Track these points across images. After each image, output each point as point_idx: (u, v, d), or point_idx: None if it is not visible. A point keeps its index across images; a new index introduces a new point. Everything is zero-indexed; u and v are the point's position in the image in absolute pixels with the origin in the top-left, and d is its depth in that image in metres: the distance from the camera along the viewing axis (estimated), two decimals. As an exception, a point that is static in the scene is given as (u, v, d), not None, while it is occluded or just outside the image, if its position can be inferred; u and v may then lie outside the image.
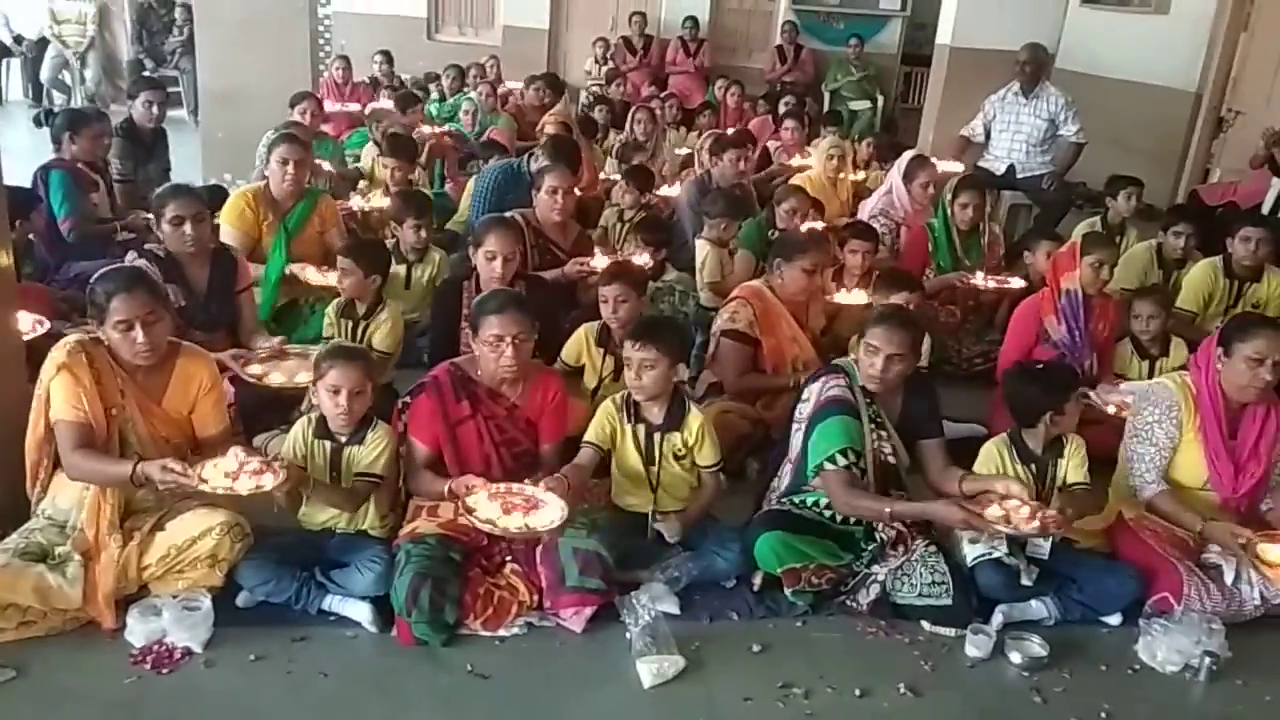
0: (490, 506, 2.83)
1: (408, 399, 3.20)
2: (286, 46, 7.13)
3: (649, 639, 2.73)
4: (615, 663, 2.72)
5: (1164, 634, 2.90)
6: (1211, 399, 3.19)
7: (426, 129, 6.80)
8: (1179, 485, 3.23)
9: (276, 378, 3.49)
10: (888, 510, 3.00)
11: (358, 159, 6.72)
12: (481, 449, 3.08)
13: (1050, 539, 3.00)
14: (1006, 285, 4.86)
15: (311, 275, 4.31)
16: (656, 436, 3.21)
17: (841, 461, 3.04)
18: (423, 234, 4.66)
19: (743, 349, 3.97)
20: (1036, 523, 2.85)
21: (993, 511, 2.89)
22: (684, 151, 7.58)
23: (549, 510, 2.85)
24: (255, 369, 3.53)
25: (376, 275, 3.94)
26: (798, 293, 4.02)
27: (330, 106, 7.66)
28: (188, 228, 3.71)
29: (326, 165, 5.94)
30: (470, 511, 2.79)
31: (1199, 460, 3.20)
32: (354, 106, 8.01)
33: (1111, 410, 3.73)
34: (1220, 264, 4.87)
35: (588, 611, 2.84)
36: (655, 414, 3.23)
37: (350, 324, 3.93)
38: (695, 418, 3.23)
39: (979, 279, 4.85)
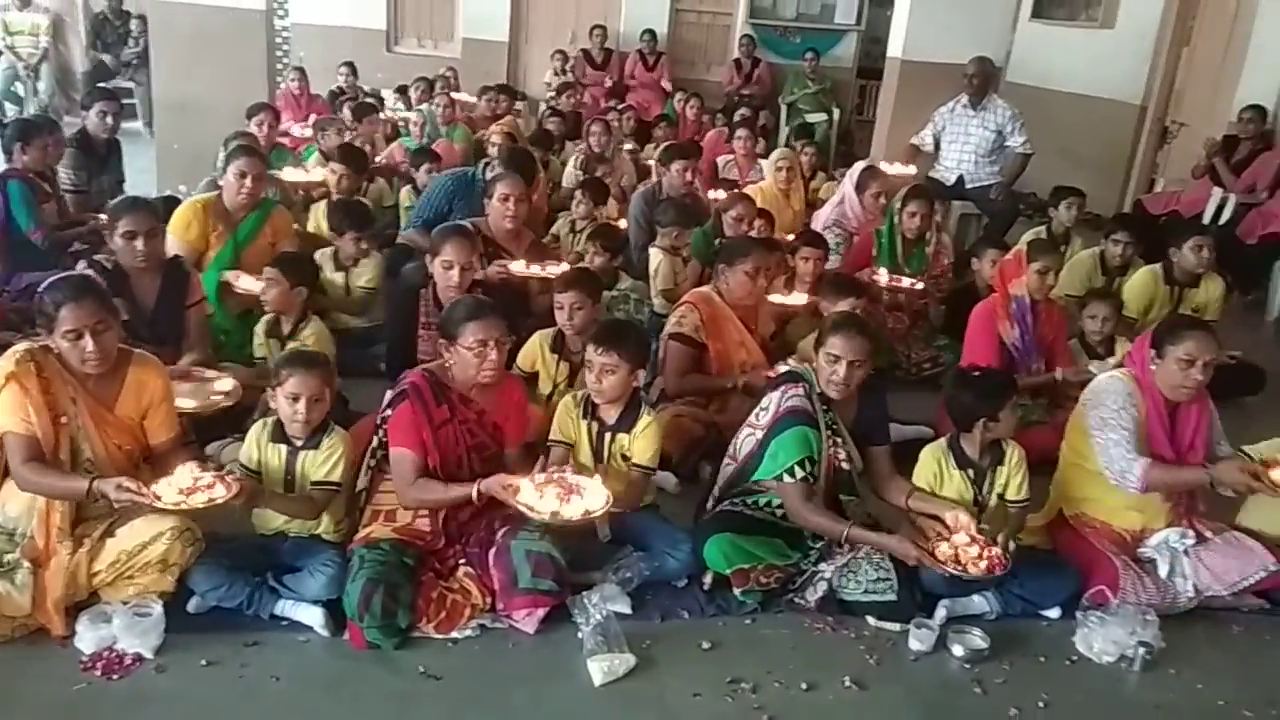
0: (547, 499, 2.85)
1: (388, 412, 3.11)
2: (242, 58, 7.13)
3: (600, 638, 2.78)
4: (567, 662, 2.76)
5: (1100, 626, 2.99)
6: (1151, 396, 3.27)
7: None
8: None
9: None
10: (844, 533, 3.07)
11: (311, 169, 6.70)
12: (456, 452, 3.09)
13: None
14: (900, 285, 4.95)
15: (245, 282, 4.26)
16: (607, 436, 3.27)
17: (800, 473, 3.09)
18: (362, 245, 4.70)
19: (687, 351, 4.03)
20: (984, 564, 2.91)
21: (944, 550, 2.95)
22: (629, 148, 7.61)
23: (594, 494, 2.89)
24: None
25: (302, 287, 3.94)
26: (744, 296, 4.09)
27: (291, 126, 7.68)
28: (139, 243, 3.71)
29: (286, 176, 5.94)
30: (530, 509, 2.81)
31: (1145, 453, 3.27)
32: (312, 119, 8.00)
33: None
34: (1160, 270, 5.01)
35: (540, 613, 2.88)
36: (610, 414, 3.28)
37: (277, 343, 3.94)
38: (644, 419, 3.28)
39: (881, 276, 4.95)
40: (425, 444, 3.02)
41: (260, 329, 4.00)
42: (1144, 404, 3.25)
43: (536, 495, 2.85)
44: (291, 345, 3.89)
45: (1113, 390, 3.29)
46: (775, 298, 4.48)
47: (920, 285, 4.97)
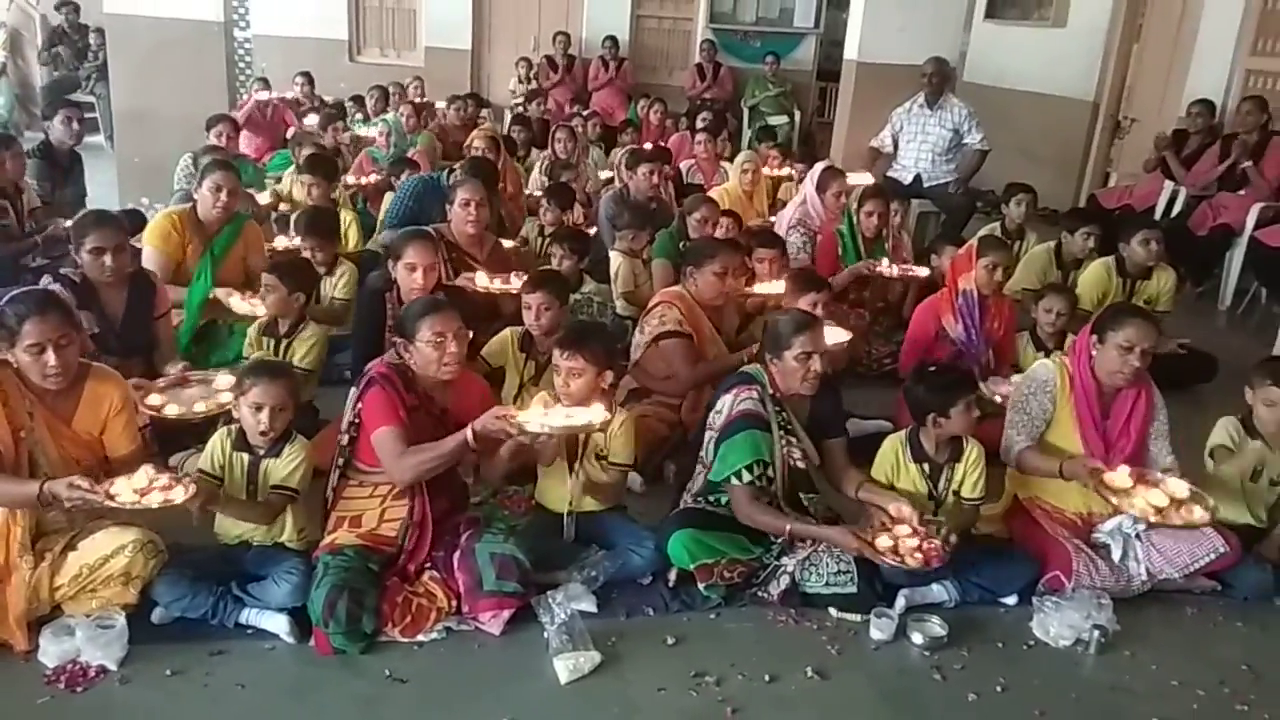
0: (552, 414, 2.96)
1: (359, 405, 3.09)
2: (202, 69, 7.13)
3: (565, 637, 2.80)
4: (533, 661, 2.79)
5: (1056, 610, 3.05)
6: (1083, 381, 3.35)
7: (350, 178, 6.75)
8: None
9: (173, 409, 3.38)
10: (787, 528, 3.13)
11: (279, 181, 6.69)
12: (421, 441, 3.05)
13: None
14: (911, 273, 5.05)
15: (235, 303, 4.29)
16: (580, 436, 3.28)
17: (747, 477, 3.14)
18: (332, 253, 4.72)
19: (686, 343, 4.04)
20: (920, 556, 2.96)
21: (883, 542, 3.00)
22: (606, 175, 7.62)
23: (591, 410, 3.04)
24: (154, 399, 3.41)
25: (300, 293, 3.96)
26: (714, 297, 4.12)
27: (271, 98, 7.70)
28: (107, 259, 3.71)
29: (259, 196, 5.95)
30: (522, 431, 2.88)
31: (1074, 437, 3.36)
32: (264, 95, 7.99)
33: (999, 399, 3.91)
34: (1113, 263, 5.10)
35: (506, 614, 2.90)
36: None
37: (272, 342, 3.96)
38: (618, 418, 3.31)
39: (884, 265, 5.05)
40: (403, 421, 3.00)
41: (254, 330, 4.02)
42: (1070, 392, 3.35)
43: (537, 416, 2.94)
44: (289, 346, 3.94)
45: (1033, 376, 3.42)
46: (760, 287, 4.54)
47: (926, 271, 5.08)
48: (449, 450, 2.97)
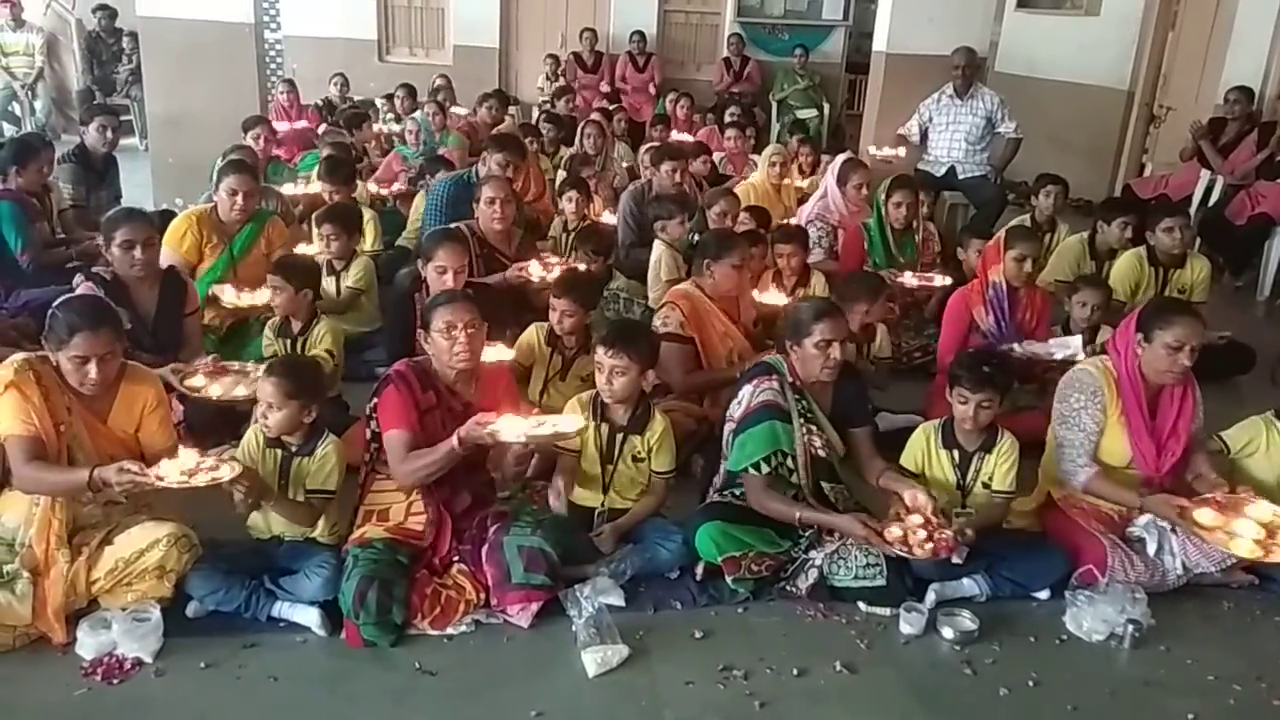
0: (517, 422, 2.91)
1: (375, 401, 3.16)
2: (233, 71, 7.20)
3: (593, 630, 2.81)
4: (561, 654, 2.80)
5: (1089, 604, 3.01)
6: (1132, 383, 3.27)
7: (374, 186, 6.77)
8: (1105, 466, 3.31)
9: (216, 390, 3.54)
10: (797, 515, 3.12)
11: (309, 181, 6.73)
12: (442, 440, 3.08)
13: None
14: (931, 284, 4.99)
15: (228, 296, 4.34)
16: (618, 437, 3.29)
17: (765, 468, 3.15)
18: (351, 247, 4.79)
19: (684, 348, 4.03)
20: (930, 546, 2.93)
21: (893, 532, 2.98)
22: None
23: (568, 419, 3.04)
24: (197, 381, 3.56)
25: (308, 290, 4.01)
26: (730, 290, 4.11)
27: (281, 126, 7.74)
28: (137, 252, 3.77)
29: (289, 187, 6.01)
30: (495, 436, 2.87)
31: (1123, 441, 3.30)
32: (302, 124, 8.04)
33: (1017, 351, 4.04)
34: (1144, 253, 5.02)
35: (534, 607, 2.92)
36: (620, 415, 3.30)
37: (288, 341, 4.01)
38: (659, 423, 3.31)
39: (906, 278, 4.98)
40: (414, 424, 3.04)
41: (270, 331, 4.08)
42: (1118, 397, 3.26)
43: (511, 422, 2.92)
44: (305, 344, 4.00)
45: (1079, 386, 3.30)
46: (761, 296, 4.51)
47: (949, 280, 4.97)
48: (442, 456, 2.97)
